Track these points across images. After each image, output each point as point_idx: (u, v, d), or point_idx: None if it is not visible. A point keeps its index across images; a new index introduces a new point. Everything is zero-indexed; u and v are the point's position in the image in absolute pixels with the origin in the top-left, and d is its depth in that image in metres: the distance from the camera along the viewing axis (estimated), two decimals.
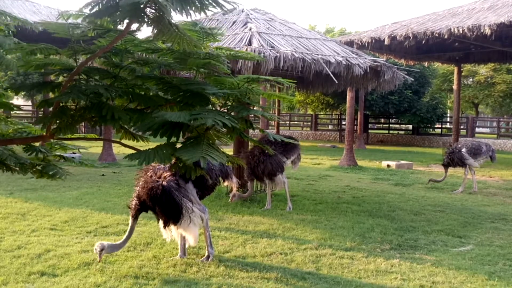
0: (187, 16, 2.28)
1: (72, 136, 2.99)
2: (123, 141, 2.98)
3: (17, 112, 29.84)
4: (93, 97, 2.55)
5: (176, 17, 18.94)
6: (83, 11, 2.34)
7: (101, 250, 4.69)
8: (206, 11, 2.29)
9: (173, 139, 2.54)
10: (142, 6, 2.15)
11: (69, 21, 2.54)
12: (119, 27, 2.51)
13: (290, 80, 2.90)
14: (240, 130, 2.62)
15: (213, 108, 2.75)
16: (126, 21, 2.31)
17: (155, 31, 2.29)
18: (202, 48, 2.76)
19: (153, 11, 2.20)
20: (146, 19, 2.25)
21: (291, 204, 7.85)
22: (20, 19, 3.15)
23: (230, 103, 2.75)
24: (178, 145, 2.57)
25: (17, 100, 35.72)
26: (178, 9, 2.22)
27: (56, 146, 3.35)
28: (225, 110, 2.69)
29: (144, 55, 2.99)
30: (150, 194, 4.69)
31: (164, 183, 4.73)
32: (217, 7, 2.33)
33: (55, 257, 4.97)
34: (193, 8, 2.26)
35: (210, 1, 2.28)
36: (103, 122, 2.59)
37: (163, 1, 2.14)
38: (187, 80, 2.73)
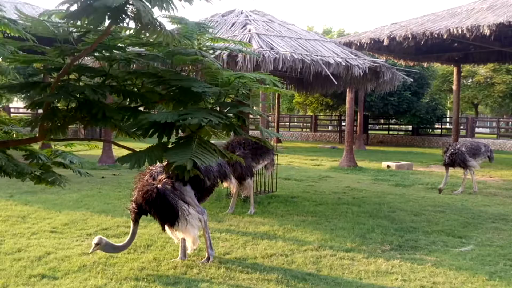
0: (170, 11, 2.22)
1: (67, 138, 2.96)
2: (121, 142, 2.96)
3: (16, 114, 29.84)
4: (82, 97, 2.51)
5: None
6: (61, 9, 2.27)
7: (97, 244, 4.66)
8: (191, 2, 2.24)
9: (165, 138, 2.50)
10: (119, 6, 2.07)
11: (52, 18, 2.50)
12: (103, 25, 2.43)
13: (285, 90, 2.88)
14: (233, 126, 2.59)
15: (206, 105, 2.72)
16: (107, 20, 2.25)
17: (137, 28, 2.25)
18: (195, 42, 2.71)
19: (133, 9, 2.15)
20: (125, 19, 2.18)
21: (253, 208, 7.49)
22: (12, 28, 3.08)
23: (222, 99, 2.72)
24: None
25: (17, 103, 35.71)
26: (158, 4, 2.15)
27: (57, 153, 3.33)
28: (218, 108, 2.66)
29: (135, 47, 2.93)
30: (145, 197, 4.70)
31: (159, 185, 4.73)
32: None
33: (55, 260, 4.97)
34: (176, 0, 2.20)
35: None
36: (95, 121, 2.55)
37: (138, 2, 2.09)
38: (178, 75, 2.69)
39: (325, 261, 5.17)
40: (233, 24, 9.45)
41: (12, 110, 29.33)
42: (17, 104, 36.32)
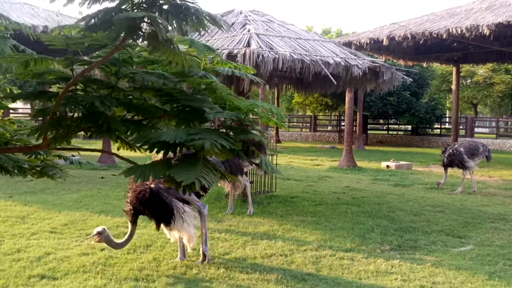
0: (183, 34, 2.29)
1: (68, 147, 2.97)
2: (120, 152, 2.95)
3: (16, 115, 29.83)
4: (89, 107, 2.53)
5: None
6: (79, 24, 2.35)
7: (99, 233, 4.65)
8: (202, 29, 2.30)
9: (170, 154, 2.50)
10: (137, 22, 2.13)
11: (64, 32, 2.53)
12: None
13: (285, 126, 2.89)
14: (238, 151, 2.59)
15: (212, 125, 2.73)
16: (122, 35, 2.31)
17: (151, 47, 2.29)
18: (202, 60, 2.75)
19: (148, 27, 2.20)
20: (141, 35, 2.24)
21: (252, 208, 7.51)
22: (17, 23, 3.12)
23: (230, 123, 2.72)
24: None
25: (16, 103, 35.66)
26: (175, 25, 2.21)
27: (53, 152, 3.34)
28: (223, 130, 2.65)
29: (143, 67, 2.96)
30: (139, 197, 4.70)
31: (152, 185, 4.73)
32: (213, 25, 2.34)
33: (55, 260, 4.97)
34: (190, 25, 2.26)
35: (208, 18, 2.27)
36: (100, 132, 2.57)
37: (158, 19, 2.12)
38: (187, 95, 2.70)
39: (325, 261, 5.18)
40: (233, 24, 9.44)
41: (10, 110, 29.24)
42: (16, 104, 36.30)
